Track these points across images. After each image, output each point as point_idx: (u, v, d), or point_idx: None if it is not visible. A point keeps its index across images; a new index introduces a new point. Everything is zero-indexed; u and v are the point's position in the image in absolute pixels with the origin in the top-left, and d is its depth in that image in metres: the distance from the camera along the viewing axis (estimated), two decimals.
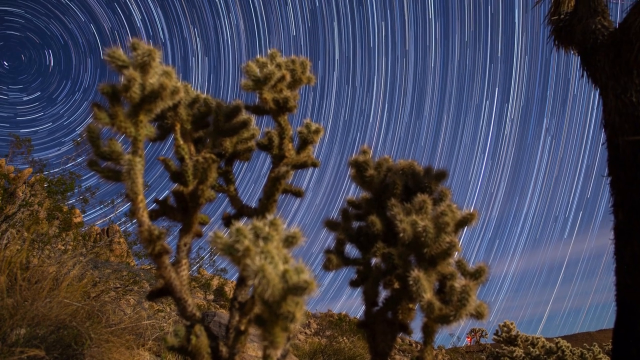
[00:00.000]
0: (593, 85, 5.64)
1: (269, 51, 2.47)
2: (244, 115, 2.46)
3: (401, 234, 2.20)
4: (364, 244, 2.57)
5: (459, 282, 2.10)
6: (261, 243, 1.26)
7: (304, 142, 2.55)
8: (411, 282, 2.08)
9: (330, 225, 2.70)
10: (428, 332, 2.21)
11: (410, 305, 2.45)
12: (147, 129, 2.04)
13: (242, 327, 2.09)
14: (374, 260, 2.57)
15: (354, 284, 2.59)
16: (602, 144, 5.29)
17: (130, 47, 1.94)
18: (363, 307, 2.53)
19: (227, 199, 2.59)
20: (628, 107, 4.98)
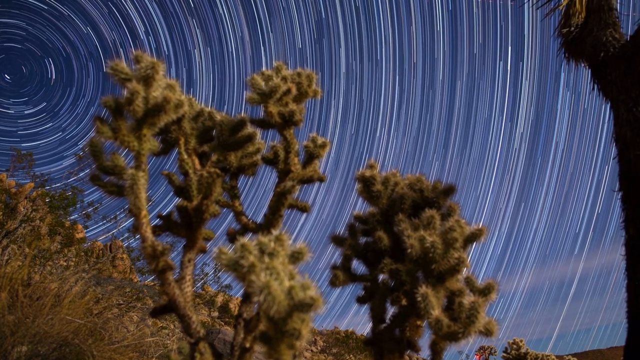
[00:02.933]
0: (604, 98, 5.61)
1: (274, 64, 2.46)
2: (249, 129, 2.43)
3: (409, 250, 2.17)
4: (371, 260, 2.54)
5: (468, 298, 2.07)
6: (266, 259, 1.24)
7: (310, 157, 2.54)
8: (419, 299, 2.05)
9: (337, 240, 2.67)
10: (436, 349, 2.18)
11: (418, 322, 2.42)
12: (151, 143, 2.02)
13: (247, 345, 2.06)
14: (381, 277, 2.54)
15: (360, 300, 2.56)
16: (613, 159, 5.27)
17: (133, 59, 1.92)
18: (370, 324, 2.49)
19: (232, 214, 2.57)
20: None
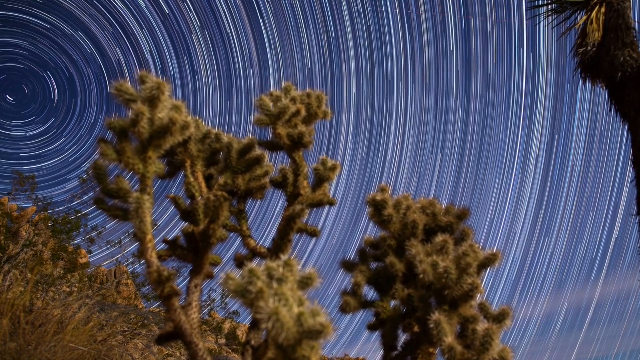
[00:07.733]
0: (621, 120, 5.57)
1: (283, 84, 2.45)
2: (258, 151, 2.42)
3: (421, 276, 2.15)
4: (383, 286, 2.52)
5: (482, 325, 2.04)
6: (275, 285, 1.22)
7: (320, 180, 2.52)
8: (432, 326, 2.03)
9: (347, 266, 2.64)
10: None
11: (431, 350, 2.38)
12: (156, 165, 2.00)
13: None
14: (393, 303, 2.50)
15: (372, 327, 2.53)
16: (631, 182, 5.22)
17: (138, 80, 1.90)
18: (381, 352, 2.46)
19: (239, 239, 2.55)
20: None
